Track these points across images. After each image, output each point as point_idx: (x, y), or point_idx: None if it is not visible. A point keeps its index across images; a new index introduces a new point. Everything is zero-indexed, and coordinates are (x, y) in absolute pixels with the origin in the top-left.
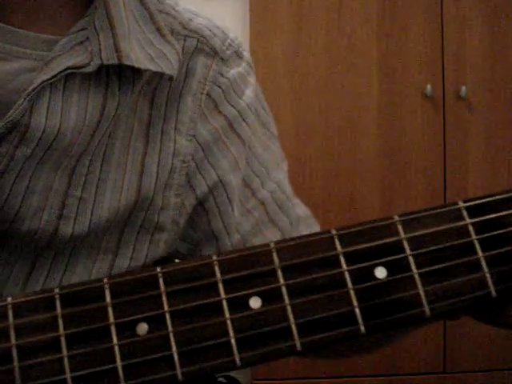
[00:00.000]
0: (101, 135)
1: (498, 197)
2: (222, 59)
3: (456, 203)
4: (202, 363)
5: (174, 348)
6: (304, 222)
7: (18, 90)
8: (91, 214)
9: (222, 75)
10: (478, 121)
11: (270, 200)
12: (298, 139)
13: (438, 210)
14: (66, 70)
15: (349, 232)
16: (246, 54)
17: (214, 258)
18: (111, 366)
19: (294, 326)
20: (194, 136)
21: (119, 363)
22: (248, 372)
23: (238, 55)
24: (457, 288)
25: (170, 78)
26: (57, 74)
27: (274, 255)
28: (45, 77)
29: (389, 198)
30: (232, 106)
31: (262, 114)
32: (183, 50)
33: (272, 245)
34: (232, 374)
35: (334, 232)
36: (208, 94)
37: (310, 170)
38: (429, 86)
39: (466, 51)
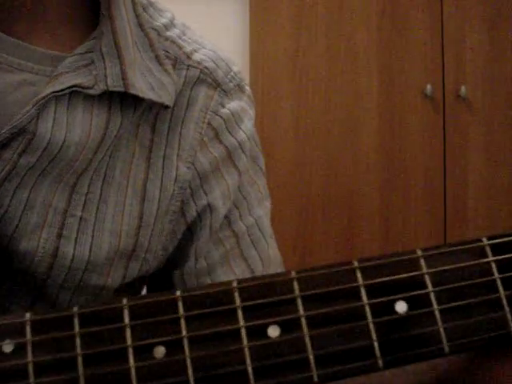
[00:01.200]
0: (102, 154)
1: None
2: (224, 91)
3: (480, 240)
4: None
5: (190, 373)
6: (274, 265)
7: (18, 102)
8: (92, 237)
9: (223, 106)
10: (478, 121)
11: (245, 235)
12: (298, 139)
13: (462, 247)
14: (72, 86)
15: (371, 264)
16: (248, 88)
17: (235, 284)
18: None
19: (311, 357)
20: (192, 163)
21: None
22: None
23: (240, 88)
24: (477, 326)
25: (166, 107)
26: (65, 89)
27: (295, 284)
28: (53, 89)
29: (389, 197)
30: (232, 136)
31: (253, 147)
32: (186, 79)
33: (293, 273)
34: None
35: (355, 264)
36: (209, 123)
37: (310, 170)
38: (429, 86)
39: (465, 51)
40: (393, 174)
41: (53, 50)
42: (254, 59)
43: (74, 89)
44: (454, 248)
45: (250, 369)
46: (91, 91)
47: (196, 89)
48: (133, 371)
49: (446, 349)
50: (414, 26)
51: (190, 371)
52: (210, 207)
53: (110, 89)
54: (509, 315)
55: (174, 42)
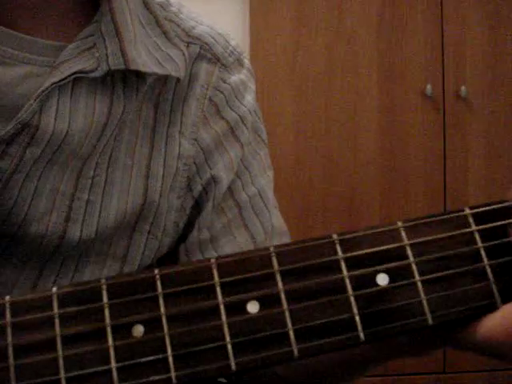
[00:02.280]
0: (107, 138)
1: (504, 204)
2: (224, 66)
3: (462, 210)
4: (196, 367)
5: (169, 351)
6: (278, 234)
7: (25, 94)
8: (98, 217)
9: (223, 81)
10: (478, 121)
11: (248, 204)
12: (298, 139)
13: (443, 217)
14: (74, 73)
15: (350, 237)
16: (247, 62)
17: (213, 260)
18: (106, 367)
19: (291, 332)
20: (196, 140)
21: (114, 364)
22: None
23: (240, 62)
24: (461, 297)
25: (177, 80)
26: (66, 77)
27: (274, 259)
28: (54, 79)
29: (389, 197)
30: (233, 110)
31: (255, 120)
32: (186, 56)
33: (271, 249)
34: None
35: (335, 237)
36: (210, 99)
37: (310, 170)
38: (429, 86)
39: (466, 51)
40: (393, 173)
41: (58, 41)
42: (254, 59)
43: (75, 75)
44: (436, 218)
45: (229, 345)
46: (94, 74)
47: (197, 65)
48: (112, 350)
49: (430, 320)
50: (414, 26)
51: (168, 349)
52: (214, 179)
53: (112, 67)
54: (493, 285)
55: (171, 20)
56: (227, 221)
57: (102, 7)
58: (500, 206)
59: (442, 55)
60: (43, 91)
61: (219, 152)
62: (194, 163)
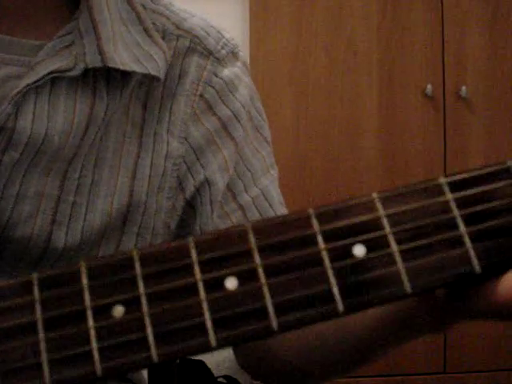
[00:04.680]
0: (91, 138)
1: (478, 172)
2: (217, 59)
3: (436, 179)
4: (176, 345)
5: (149, 330)
6: None
7: (6, 96)
8: (84, 219)
9: (216, 75)
10: (478, 121)
11: (252, 206)
12: (298, 139)
13: (419, 186)
14: (50, 73)
15: (326, 210)
16: (242, 55)
17: (190, 239)
18: (87, 348)
19: (270, 306)
20: (185, 138)
21: (94, 346)
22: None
23: (234, 55)
24: (439, 264)
25: (157, 80)
26: (41, 78)
27: (250, 235)
28: (29, 81)
29: None
30: (226, 106)
31: (255, 116)
32: (175, 50)
33: (248, 225)
34: (232, 374)
35: (310, 211)
36: (201, 95)
37: (310, 169)
38: (429, 86)
39: (466, 51)
40: (393, 173)
41: (39, 40)
42: (254, 59)
43: (52, 75)
44: (411, 188)
45: (208, 321)
46: (72, 73)
47: (187, 59)
48: (92, 332)
49: (409, 289)
50: (414, 26)
51: (148, 328)
52: (208, 182)
53: (89, 65)
54: (471, 251)
55: (161, 13)
56: (231, 225)
57: (80, 4)
58: (475, 173)
59: (442, 55)
60: (17, 93)
61: (212, 151)
62: (184, 162)
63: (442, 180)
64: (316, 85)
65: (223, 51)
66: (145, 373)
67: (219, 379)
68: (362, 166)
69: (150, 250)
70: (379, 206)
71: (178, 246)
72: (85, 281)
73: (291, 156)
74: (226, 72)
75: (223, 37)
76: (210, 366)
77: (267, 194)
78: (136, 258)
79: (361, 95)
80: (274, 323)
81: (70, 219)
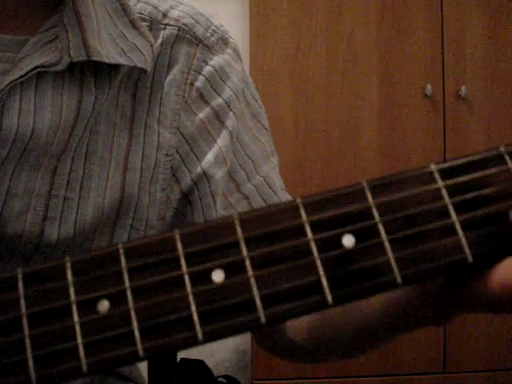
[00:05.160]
0: (80, 132)
1: (470, 158)
2: (207, 46)
3: (427, 166)
4: (163, 339)
5: (134, 324)
6: None
7: None
8: (76, 214)
9: (206, 63)
10: (478, 121)
11: (256, 194)
12: (298, 139)
13: (409, 174)
14: (34, 68)
15: (314, 200)
16: (232, 41)
17: (176, 231)
18: (72, 344)
19: (257, 298)
20: (177, 128)
21: (80, 341)
22: (248, 372)
23: (224, 41)
24: (430, 253)
25: (144, 71)
26: (25, 74)
27: (237, 227)
28: (13, 77)
29: None
30: (218, 94)
31: (252, 103)
32: (163, 39)
33: (235, 216)
34: (232, 374)
35: (298, 201)
36: (192, 84)
37: (310, 169)
38: (429, 86)
39: (466, 51)
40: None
41: (24, 35)
42: (254, 59)
43: (37, 70)
44: (402, 176)
45: (195, 315)
46: (57, 67)
47: (176, 48)
48: (77, 327)
49: (399, 279)
50: (414, 26)
51: (134, 322)
52: (206, 175)
53: (74, 59)
54: (463, 239)
55: (147, 2)
56: None
57: None
58: (467, 160)
59: (442, 55)
60: (1, 90)
61: (205, 140)
62: (178, 153)
63: (433, 167)
64: (316, 85)
65: (212, 38)
66: (145, 373)
67: (219, 379)
68: (361, 166)
69: (135, 244)
70: (369, 194)
71: (164, 238)
72: (70, 276)
73: (291, 156)
74: (217, 59)
75: (212, 24)
76: (210, 365)
77: (270, 182)
78: (121, 251)
79: (361, 95)
80: (262, 316)
81: (61, 214)
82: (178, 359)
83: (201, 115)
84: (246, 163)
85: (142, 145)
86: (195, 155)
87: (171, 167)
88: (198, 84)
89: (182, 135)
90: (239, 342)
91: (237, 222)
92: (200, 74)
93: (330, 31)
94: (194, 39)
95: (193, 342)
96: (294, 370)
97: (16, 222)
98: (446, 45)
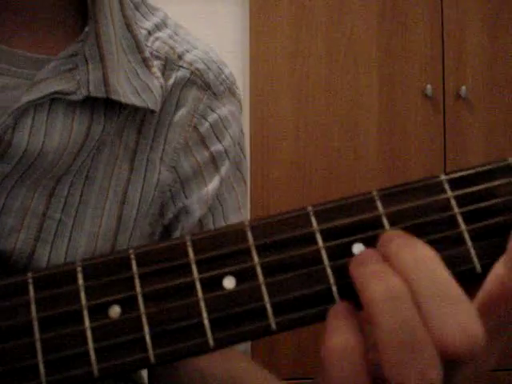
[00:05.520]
0: (83, 158)
1: (479, 169)
2: (214, 94)
3: (437, 176)
4: (174, 345)
5: (146, 330)
6: None
7: (1, 106)
8: (69, 239)
9: (212, 110)
10: (478, 121)
11: None
12: (298, 139)
13: (419, 184)
14: (52, 93)
15: (325, 208)
16: (238, 92)
17: (187, 238)
18: (83, 349)
19: (268, 306)
20: (174, 168)
21: (91, 346)
22: None
23: (231, 92)
24: None
25: (152, 112)
26: (43, 97)
27: (249, 234)
28: (31, 97)
29: None
30: (219, 141)
31: (238, 153)
32: (175, 80)
33: (246, 223)
34: None
35: (309, 208)
36: (195, 127)
37: (310, 170)
38: (429, 86)
39: (466, 51)
40: (393, 174)
41: (37, 53)
42: (253, 59)
43: (53, 96)
44: (411, 186)
45: (206, 321)
46: (73, 97)
47: (185, 90)
48: (88, 332)
49: None
50: (414, 25)
51: (145, 328)
52: (186, 209)
53: (92, 95)
54: (472, 249)
55: (165, 42)
56: None
57: (88, 26)
58: (476, 170)
59: (442, 55)
60: (18, 108)
61: (197, 182)
62: (170, 191)
63: (443, 177)
64: (316, 84)
65: (221, 87)
66: (145, 373)
67: None
68: (361, 166)
69: (147, 249)
70: (379, 203)
71: (175, 244)
72: (81, 280)
73: (291, 156)
74: (222, 108)
75: (223, 72)
76: None
77: None
78: (132, 256)
79: (361, 95)
80: (273, 323)
81: (54, 237)
82: None
83: (198, 158)
84: (216, 208)
85: (142, 180)
86: (184, 193)
87: (161, 203)
88: (201, 128)
89: (178, 174)
90: None
91: (248, 228)
92: (205, 119)
93: (330, 31)
94: (203, 85)
95: (204, 349)
96: (294, 370)
97: (7, 238)
98: (446, 45)
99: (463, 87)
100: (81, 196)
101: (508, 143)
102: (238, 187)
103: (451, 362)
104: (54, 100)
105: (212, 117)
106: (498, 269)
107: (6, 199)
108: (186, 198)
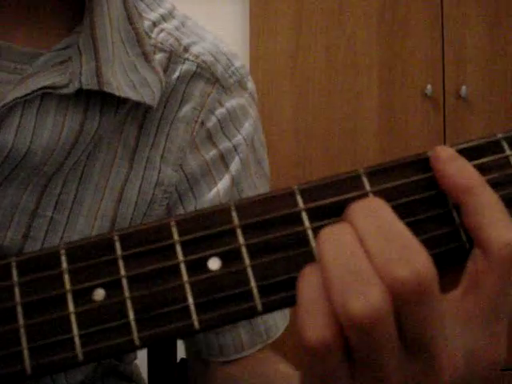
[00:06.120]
0: (77, 156)
1: (467, 145)
2: (223, 87)
3: (425, 153)
4: (159, 328)
5: (131, 313)
6: None
7: None
8: (61, 238)
9: (220, 104)
10: (478, 121)
11: None
12: (298, 139)
13: (406, 160)
14: (41, 89)
15: (311, 187)
16: (250, 85)
17: (172, 219)
18: (68, 334)
19: (254, 287)
20: (180, 166)
21: (75, 331)
22: None
23: (241, 85)
24: (429, 242)
25: (150, 107)
26: (31, 93)
27: (234, 214)
28: (17, 94)
29: None
30: (227, 138)
31: (258, 149)
32: (180, 73)
33: (231, 203)
34: None
35: (295, 187)
36: (202, 123)
37: (310, 170)
38: (429, 86)
39: (466, 51)
40: None
41: (36, 48)
42: (253, 59)
43: (43, 91)
44: (399, 163)
45: (191, 304)
46: (64, 90)
47: (192, 84)
48: (73, 316)
49: None
50: (414, 25)
51: (130, 312)
52: None
53: (84, 87)
54: (460, 227)
55: (170, 33)
56: None
57: (84, 19)
58: (464, 146)
59: (442, 55)
60: (3, 106)
61: (206, 181)
62: (176, 190)
63: (429, 154)
64: (316, 84)
65: (231, 80)
66: (144, 373)
67: None
68: (361, 166)
69: (131, 231)
70: (366, 182)
71: (159, 226)
72: (64, 263)
73: (291, 156)
74: (232, 102)
75: (233, 65)
76: None
77: None
78: (116, 238)
79: (361, 95)
80: (259, 304)
81: (45, 235)
82: (178, 359)
83: (206, 156)
84: None
85: (141, 178)
86: (193, 194)
87: (167, 204)
88: (208, 124)
89: (184, 173)
90: None
91: (233, 208)
92: (213, 114)
93: (329, 31)
94: (211, 78)
95: (189, 331)
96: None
97: None
98: (446, 45)
99: (463, 87)
100: (75, 194)
101: None
102: (262, 186)
103: (401, 303)
104: (45, 95)
105: (220, 111)
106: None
107: None
108: (196, 198)
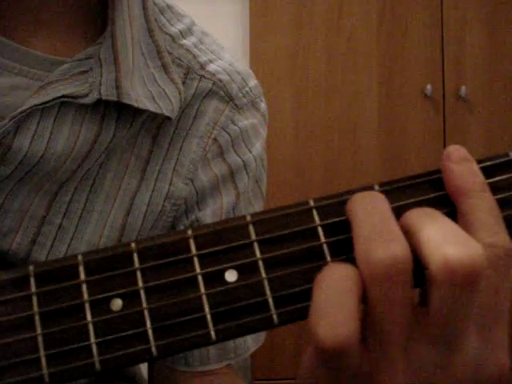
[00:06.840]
0: (90, 165)
1: (483, 164)
2: (237, 106)
3: (438, 170)
4: (176, 338)
5: (148, 324)
6: None
7: (9, 105)
8: (68, 245)
9: (233, 122)
10: (478, 121)
11: None
12: (298, 139)
13: (419, 178)
14: (60, 97)
15: (328, 204)
16: (263, 105)
17: (189, 232)
18: (85, 343)
19: (270, 299)
20: (191, 180)
21: (93, 340)
22: (248, 372)
23: (254, 105)
24: None
25: (168, 119)
26: (50, 101)
27: (251, 228)
28: (36, 101)
29: None
30: (238, 155)
31: (259, 168)
32: (197, 90)
33: (248, 218)
34: None
35: (311, 203)
36: (215, 139)
37: (310, 169)
38: (429, 86)
39: (466, 51)
40: (393, 174)
41: (56, 55)
42: (253, 59)
43: (62, 100)
44: (412, 181)
45: (208, 315)
46: (84, 100)
47: (206, 101)
48: (90, 326)
49: None
50: (414, 26)
51: (147, 322)
52: (197, 222)
53: (103, 97)
54: None
55: (188, 50)
56: None
57: (106, 30)
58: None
59: (442, 55)
60: (21, 112)
61: (213, 196)
62: (185, 203)
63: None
64: (316, 84)
65: (244, 99)
66: (144, 373)
67: None
68: (361, 166)
69: (149, 244)
70: None
71: (177, 239)
72: (82, 274)
73: (291, 156)
74: (244, 121)
75: (247, 85)
76: None
77: None
78: (135, 251)
79: (361, 95)
80: (275, 316)
81: (53, 242)
82: None
83: (216, 171)
84: None
85: (152, 190)
86: (198, 206)
87: (174, 216)
88: (221, 141)
89: (195, 188)
90: None
91: (250, 223)
92: (225, 130)
93: (329, 31)
94: (226, 96)
95: (206, 341)
96: (294, 370)
97: (4, 238)
98: (446, 45)
99: (463, 87)
100: (85, 202)
101: (508, 143)
102: (256, 204)
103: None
104: (64, 103)
105: (233, 129)
106: None
107: (5, 200)
108: (200, 210)
